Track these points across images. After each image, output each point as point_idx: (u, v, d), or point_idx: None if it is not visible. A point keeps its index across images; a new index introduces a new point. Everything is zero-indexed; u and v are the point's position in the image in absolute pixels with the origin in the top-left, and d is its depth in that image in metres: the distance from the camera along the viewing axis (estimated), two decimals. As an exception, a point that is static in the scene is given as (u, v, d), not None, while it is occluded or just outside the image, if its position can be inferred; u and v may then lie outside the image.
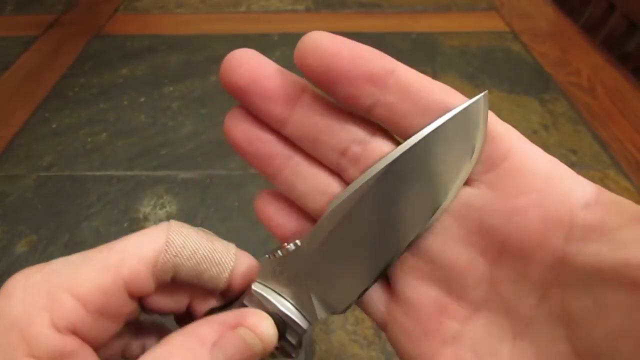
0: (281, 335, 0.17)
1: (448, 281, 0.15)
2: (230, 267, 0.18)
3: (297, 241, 0.16)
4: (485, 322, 0.15)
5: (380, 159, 0.15)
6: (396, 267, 0.16)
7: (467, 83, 0.58)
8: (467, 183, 0.15)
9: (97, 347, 0.16)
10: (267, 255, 0.17)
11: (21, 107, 0.55)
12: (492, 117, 0.15)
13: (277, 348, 0.17)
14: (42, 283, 0.15)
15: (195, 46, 0.66)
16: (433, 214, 0.15)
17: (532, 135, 0.50)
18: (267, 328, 0.16)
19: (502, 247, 0.14)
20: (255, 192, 0.21)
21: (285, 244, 0.16)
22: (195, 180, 0.45)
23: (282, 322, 0.17)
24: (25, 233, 0.40)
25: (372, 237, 0.15)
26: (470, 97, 0.15)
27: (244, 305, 0.17)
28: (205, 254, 0.17)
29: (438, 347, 0.15)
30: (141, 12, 0.76)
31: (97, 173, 0.46)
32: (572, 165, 0.46)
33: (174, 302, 0.19)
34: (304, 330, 0.17)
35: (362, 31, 0.69)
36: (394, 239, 0.15)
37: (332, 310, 0.17)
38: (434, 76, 0.60)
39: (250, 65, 0.16)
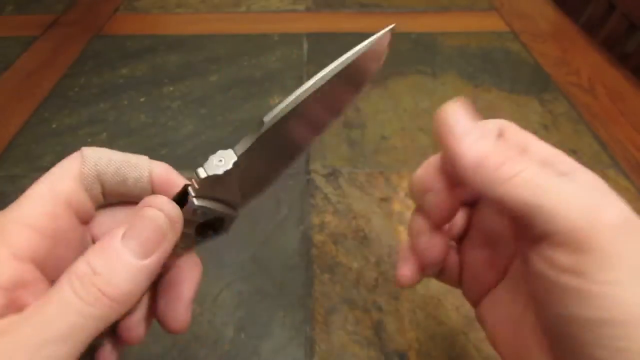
0: (220, 229, 0.20)
1: (495, 244, 0.22)
2: (148, 167, 0.19)
3: (232, 157, 0.19)
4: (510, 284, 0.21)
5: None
6: (465, 245, 0.23)
7: (467, 83, 0.58)
8: None
9: (54, 278, 0.17)
10: (204, 174, 0.18)
11: (21, 107, 0.55)
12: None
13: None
14: None
15: (195, 46, 0.66)
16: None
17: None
18: (165, 201, 0.17)
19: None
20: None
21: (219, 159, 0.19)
22: (195, 180, 0.45)
23: (220, 216, 0.19)
24: (25, 233, 0.40)
25: (286, 144, 0.21)
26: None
27: None
28: (121, 159, 0.19)
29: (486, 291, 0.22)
30: (141, 12, 0.76)
31: (97, 173, 0.46)
32: (572, 165, 0.46)
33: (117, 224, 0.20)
34: (236, 216, 0.20)
35: (362, 31, 0.69)
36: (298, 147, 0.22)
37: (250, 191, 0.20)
38: (434, 76, 0.60)
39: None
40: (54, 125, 0.52)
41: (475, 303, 0.23)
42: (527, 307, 0.19)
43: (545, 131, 0.51)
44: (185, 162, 0.47)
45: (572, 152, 0.48)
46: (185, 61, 0.63)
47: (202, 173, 0.18)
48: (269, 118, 0.19)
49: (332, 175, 0.45)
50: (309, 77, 0.19)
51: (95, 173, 0.18)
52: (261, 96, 0.56)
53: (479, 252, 0.23)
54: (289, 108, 0.19)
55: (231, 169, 0.18)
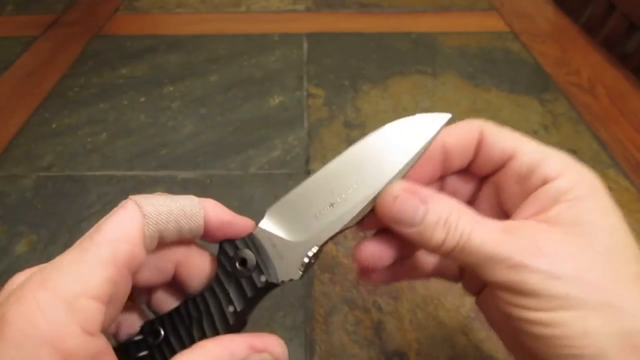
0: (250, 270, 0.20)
1: None
2: (202, 215, 0.20)
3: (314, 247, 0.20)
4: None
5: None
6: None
7: (467, 83, 0.58)
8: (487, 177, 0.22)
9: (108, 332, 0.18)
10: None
11: (21, 107, 0.55)
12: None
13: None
14: (54, 298, 0.15)
15: (195, 46, 0.66)
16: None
17: (532, 135, 0.49)
18: (284, 355, 0.19)
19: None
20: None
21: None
22: (195, 180, 0.45)
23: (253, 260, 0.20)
24: (25, 233, 0.40)
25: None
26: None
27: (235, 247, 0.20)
28: (177, 211, 0.19)
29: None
30: (141, 12, 0.76)
31: (97, 173, 0.46)
32: (572, 165, 0.46)
33: (161, 273, 0.21)
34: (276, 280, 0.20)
35: (362, 31, 0.69)
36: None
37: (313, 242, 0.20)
38: (434, 76, 0.60)
39: None
40: (54, 125, 0.52)
41: (476, 293, 0.24)
42: None
43: (545, 131, 0.51)
44: (186, 162, 0.47)
45: (572, 152, 0.48)
46: (185, 61, 0.63)
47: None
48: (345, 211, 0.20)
49: (332, 175, 0.45)
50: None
51: (157, 232, 0.18)
52: (261, 96, 0.56)
53: None
54: (371, 196, 0.19)
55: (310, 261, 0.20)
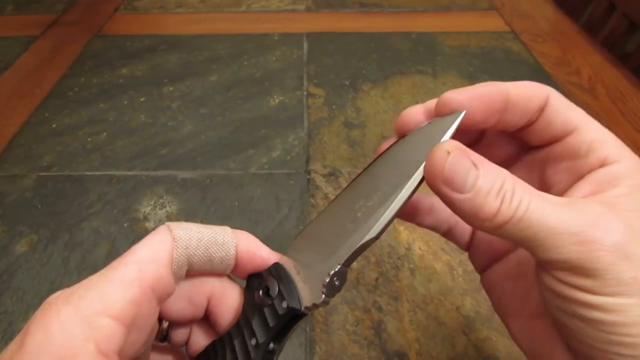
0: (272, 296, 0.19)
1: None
2: (234, 245, 0.19)
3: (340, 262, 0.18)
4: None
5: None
6: None
7: (467, 83, 0.58)
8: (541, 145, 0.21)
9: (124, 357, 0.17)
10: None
11: (21, 107, 0.55)
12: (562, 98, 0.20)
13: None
14: (75, 313, 0.15)
15: (195, 46, 0.66)
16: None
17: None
18: None
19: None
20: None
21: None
22: (195, 180, 0.45)
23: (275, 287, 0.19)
24: (25, 233, 0.40)
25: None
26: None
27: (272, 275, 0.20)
28: (209, 238, 0.19)
29: (498, 258, 0.23)
30: (141, 12, 0.76)
31: (97, 173, 0.46)
32: (572, 165, 0.46)
33: (193, 305, 0.20)
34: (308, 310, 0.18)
35: (362, 31, 0.69)
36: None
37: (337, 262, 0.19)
38: (434, 76, 0.60)
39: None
40: (54, 125, 0.52)
41: (482, 269, 0.23)
42: (534, 286, 0.19)
43: (546, 131, 0.51)
44: (186, 162, 0.47)
45: (573, 152, 0.48)
46: (185, 61, 0.63)
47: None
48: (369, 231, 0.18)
49: (333, 175, 0.45)
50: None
51: (186, 257, 0.18)
52: (261, 96, 0.56)
53: None
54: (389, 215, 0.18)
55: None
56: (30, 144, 0.49)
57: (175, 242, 0.18)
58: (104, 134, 0.51)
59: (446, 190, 0.17)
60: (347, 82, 0.58)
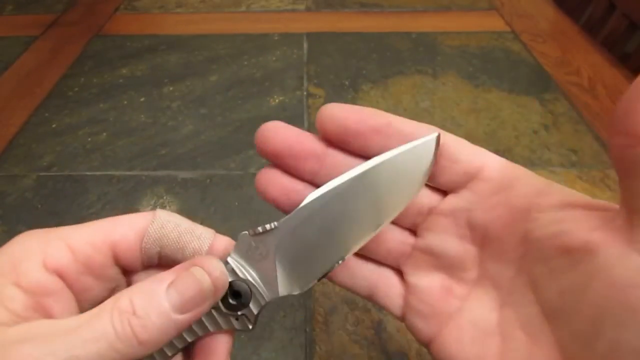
0: (247, 302, 0.19)
1: (449, 268, 0.20)
2: (210, 242, 0.20)
3: (275, 223, 0.19)
4: (479, 296, 0.19)
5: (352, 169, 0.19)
6: (409, 265, 0.21)
7: (467, 83, 0.58)
8: (453, 191, 0.19)
9: (79, 298, 0.18)
10: (246, 232, 0.19)
11: (21, 107, 0.55)
12: (465, 142, 0.19)
13: (237, 318, 0.19)
14: (41, 234, 0.18)
15: (195, 46, 0.66)
16: (384, 222, 0.19)
17: (533, 135, 0.50)
18: (215, 265, 0.18)
19: (485, 235, 0.19)
20: (255, 192, 0.21)
21: (266, 225, 0.19)
22: (195, 180, 0.45)
23: (247, 290, 0.19)
24: (25, 233, 0.40)
25: (334, 232, 0.19)
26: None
27: None
28: (187, 227, 0.19)
29: (445, 321, 0.19)
30: (141, 12, 0.76)
31: (97, 173, 0.46)
32: (572, 165, 0.46)
33: None
34: (265, 302, 0.19)
35: (362, 31, 0.69)
36: (350, 237, 0.19)
37: (292, 290, 0.19)
38: (434, 76, 0.60)
39: (282, 134, 0.20)
40: (54, 125, 0.52)
41: (429, 339, 0.20)
42: (504, 314, 0.18)
43: (546, 131, 0.51)
44: (186, 162, 0.47)
45: (573, 152, 0.48)
46: (185, 61, 0.63)
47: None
48: (312, 197, 0.19)
49: (332, 175, 0.45)
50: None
51: (159, 235, 0.19)
52: (261, 96, 0.56)
53: (429, 278, 0.20)
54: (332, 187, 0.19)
55: (271, 230, 0.19)
56: (30, 144, 0.49)
57: (154, 218, 0.19)
58: (104, 134, 0.51)
59: None
60: (347, 82, 0.58)
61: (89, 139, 0.50)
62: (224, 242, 0.20)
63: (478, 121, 0.52)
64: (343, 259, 0.19)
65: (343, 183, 0.19)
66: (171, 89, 0.58)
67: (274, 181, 0.20)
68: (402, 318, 0.21)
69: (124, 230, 0.19)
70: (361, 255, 0.21)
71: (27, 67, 0.62)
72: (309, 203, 0.19)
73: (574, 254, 0.16)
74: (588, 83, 0.59)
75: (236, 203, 0.42)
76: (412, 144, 0.18)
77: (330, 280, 0.21)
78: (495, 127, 0.51)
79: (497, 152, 0.19)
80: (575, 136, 0.50)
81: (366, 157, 0.19)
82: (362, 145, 0.19)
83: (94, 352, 0.15)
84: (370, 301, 0.22)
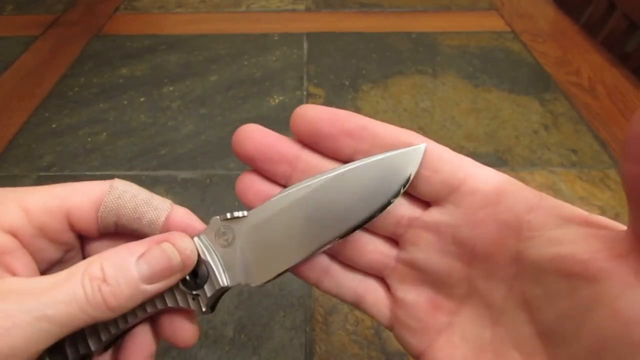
0: (202, 283, 0.19)
1: (436, 283, 0.19)
2: (167, 212, 0.20)
3: (245, 212, 0.19)
4: (470, 313, 0.18)
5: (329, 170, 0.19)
6: (394, 278, 0.20)
7: (467, 83, 0.58)
8: (436, 204, 0.18)
9: (35, 259, 0.18)
10: (217, 216, 0.19)
11: (21, 107, 0.55)
12: (448, 151, 0.18)
13: (193, 298, 0.19)
14: None
15: (195, 46, 0.66)
16: (351, 228, 0.18)
17: (532, 135, 0.50)
18: (186, 244, 0.18)
19: (472, 252, 0.18)
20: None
21: (236, 212, 0.19)
22: (195, 180, 0.45)
23: (205, 271, 0.19)
24: (25, 233, 0.40)
25: (302, 231, 0.19)
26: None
27: None
28: (144, 198, 0.20)
29: (435, 336, 0.19)
30: (141, 11, 0.76)
31: (97, 173, 0.46)
32: (572, 165, 0.46)
33: None
34: (221, 287, 0.19)
35: (362, 31, 0.69)
36: (314, 238, 0.19)
37: (250, 281, 0.19)
38: (434, 76, 0.60)
39: (256, 137, 0.20)
40: (54, 125, 0.52)
41: (422, 353, 0.19)
42: (496, 332, 0.18)
43: (546, 131, 0.51)
44: (186, 162, 0.47)
45: (573, 152, 0.48)
46: (185, 61, 0.63)
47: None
48: (286, 191, 0.19)
49: (332, 175, 0.45)
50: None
51: (116, 205, 0.19)
52: (261, 96, 0.56)
53: (416, 292, 0.19)
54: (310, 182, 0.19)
55: (240, 218, 0.19)
56: (30, 144, 0.49)
57: (111, 188, 0.19)
58: (104, 134, 0.51)
59: None
60: (347, 82, 0.58)
61: (89, 139, 0.50)
62: (180, 212, 0.20)
63: (478, 121, 0.52)
64: (304, 259, 0.19)
65: (314, 183, 0.18)
66: (171, 89, 0.58)
67: (250, 186, 0.20)
68: (391, 329, 0.21)
69: (80, 199, 0.19)
70: (346, 264, 0.21)
71: (27, 67, 0.62)
72: (283, 196, 0.19)
73: (573, 279, 0.15)
74: (588, 83, 0.59)
75: (236, 203, 0.42)
76: (396, 152, 0.18)
77: (317, 287, 0.21)
78: (495, 127, 0.51)
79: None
80: (575, 136, 0.50)
81: (339, 160, 0.19)
82: (333, 147, 0.19)
83: (65, 313, 0.16)
84: (358, 309, 0.21)
